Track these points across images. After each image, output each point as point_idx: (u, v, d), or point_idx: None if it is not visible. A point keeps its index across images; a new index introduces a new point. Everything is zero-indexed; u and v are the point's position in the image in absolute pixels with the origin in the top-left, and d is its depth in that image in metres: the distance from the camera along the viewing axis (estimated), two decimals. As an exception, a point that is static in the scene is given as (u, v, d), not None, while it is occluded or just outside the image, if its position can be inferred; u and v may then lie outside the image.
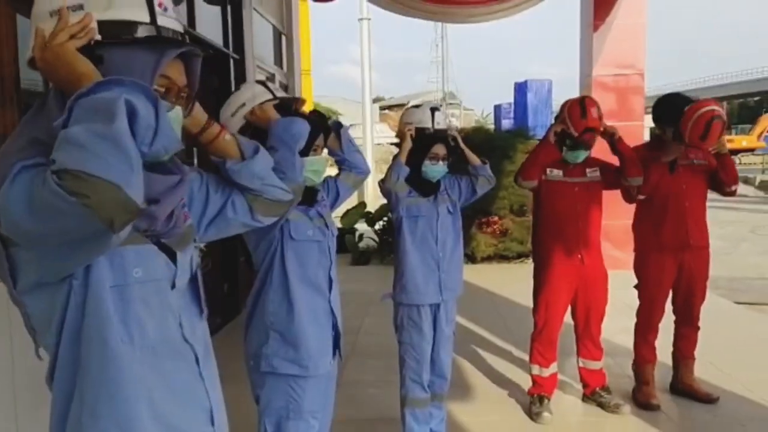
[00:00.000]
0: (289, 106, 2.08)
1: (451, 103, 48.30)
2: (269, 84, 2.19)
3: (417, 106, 3.07)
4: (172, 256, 1.21)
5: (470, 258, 8.43)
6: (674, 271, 3.51)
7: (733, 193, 3.57)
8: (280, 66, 7.98)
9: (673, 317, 3.69)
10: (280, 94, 2.16)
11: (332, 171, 2.46)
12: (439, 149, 2.90)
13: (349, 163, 2.40)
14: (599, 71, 7.63)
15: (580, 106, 3.30)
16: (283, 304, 2.10)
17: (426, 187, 2.92)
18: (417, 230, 2.92)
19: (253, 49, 6.50)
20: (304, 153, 1.95)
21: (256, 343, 2.13)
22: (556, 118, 3.51)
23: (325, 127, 2.23)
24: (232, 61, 6.04)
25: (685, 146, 3.34)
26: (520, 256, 8.37)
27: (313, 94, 17.90)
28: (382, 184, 2.94)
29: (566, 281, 3.35)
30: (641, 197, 3.49)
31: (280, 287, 2.11)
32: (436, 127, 2.95)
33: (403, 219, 2.92)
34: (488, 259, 8.45)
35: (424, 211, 2.93)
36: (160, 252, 1.19)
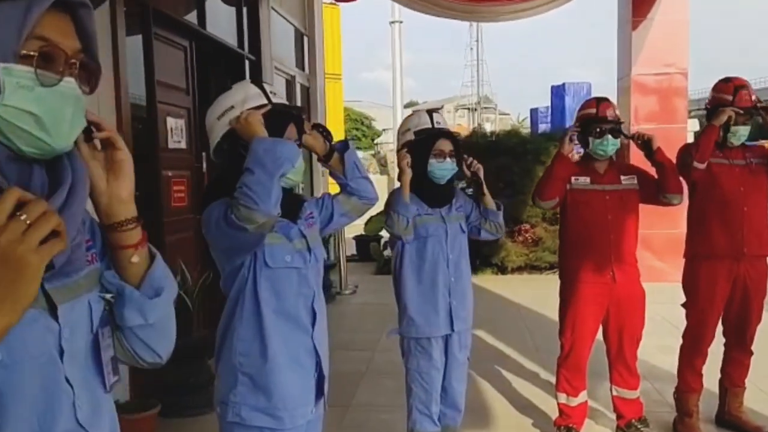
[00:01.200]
0: (284, 116, 1.76)
1: (486, 107, 47.77)
2: (266, 86, 1.84)
3: (411, 115, 2.80)
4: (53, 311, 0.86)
5: (500, 269, 8.06)
6: (728, 285, 3.12)
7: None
8: (302, 68, 7.75)
9: (723, 339, 3.27)
10: (278, 99, 1.82)
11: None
12: (444, 145, 2.60)
13: (352, 188, 2.04)
14: (638, 71, 7.16)
15: (596, 104, 3.02)
16: (255, 343, 1.73)
17: (435, 196, 2.61)
18: (426, 253, 2.61)
19: (271, 50, 6.28)
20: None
21: (224, 388, 1.77)
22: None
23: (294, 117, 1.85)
24: (247, 62, 5.82)
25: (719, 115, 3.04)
26: (552, 266, 7.92)
27: (344, 99, 17.80)
28: (389, 229, 2.65)
29: (595, 301, 2.98)
30: (698, 165, 3.06)
31: (251, 322, 1.74)
32: (437, 126, 2.65)
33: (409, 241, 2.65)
34: (519, 269, 8.03)
35: (432, 229, 2.63)
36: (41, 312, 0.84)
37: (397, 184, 2.72)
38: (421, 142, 2.60)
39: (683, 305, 3.27)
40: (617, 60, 7.69)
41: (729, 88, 3.09)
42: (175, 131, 4.52)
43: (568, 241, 3.09)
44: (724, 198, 3.08)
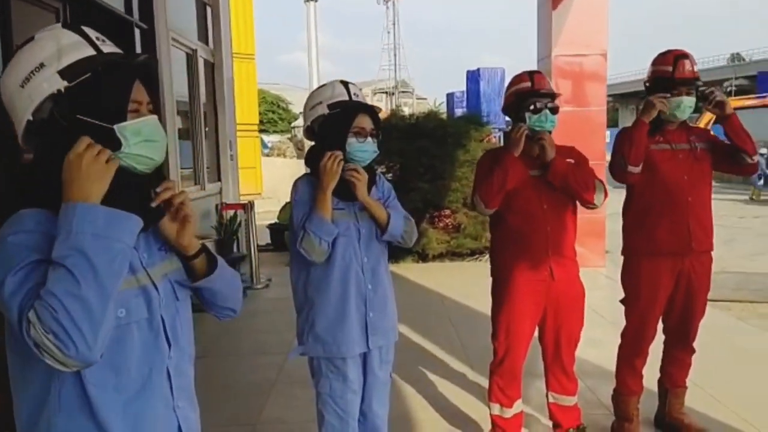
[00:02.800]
0: (124, 72, 1.19)
1: (404, 91, 47.73)
2: (90, 32, 1.22)
3: (323, 86, 2.30)
4: None
5: (421, 256, 7.75)
6: (671, 282, 2.86)
7: (755, 167, 2.92)
8: (206, 42, 7.05)
9: (662, 336, 3.03)
10: (109, 48, 1.21)
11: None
12: (364, 121, 2.15)
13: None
14: (559, 51, 6.98)
15: (529, 77, 2.67)
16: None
17: (351, 186, 2.15)
18: (335, 256, 2.15)
19: (166, 18, 5.58)
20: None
21: None
22: (505, 109, 2.79)
23: None
24: (138, 31, 5.11)
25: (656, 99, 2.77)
26: (474, 253, 7.70)
27: (260, 81, 16.92)
28: (302, 252, 2.12)
29: (532, 300, 2.65)
30: (633, 169, 2.80)
31: (75, 407, 1.15)
32: (354, 98, 2.20)
33: None
34: (440, 256, 7.75)
35: (343, 228, 2.16)
36: None
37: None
38: (335, 117, 2.14)
39: (622, 302, 3.00)
40: (537, 41, 7.50)
41: (668, 59, 2.81)
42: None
43: (501, 234, 2.74)
44: (667, 189, 2.80)
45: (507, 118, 2.88)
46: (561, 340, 2.70)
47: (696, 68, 2.79)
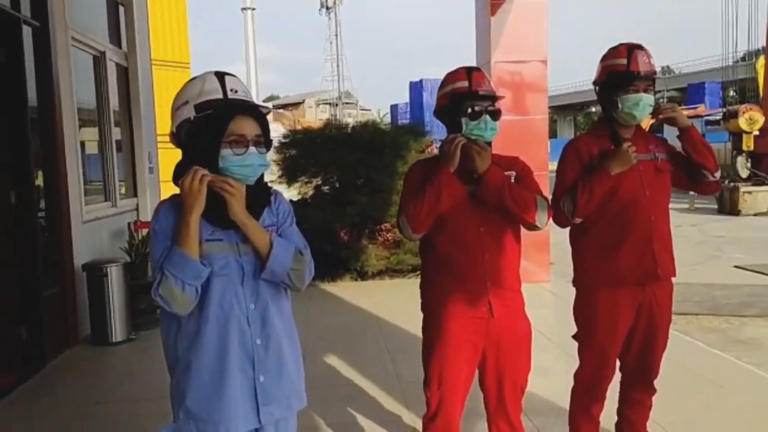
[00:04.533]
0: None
1: (347, 102, 47.38)
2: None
3: (192, 80, 1.76)
4: None
5: (359, 274, 7.30)
6: (632, 315, 2.48)
7: (717, 186, 2.58)
8: (117, 44, 6.42)
9: (620, 375, 2.64)
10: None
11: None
12: (245, 126, 1.66)
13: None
14: (498, 58, 6.69)
15: (467, 74, 2.22)
16: None
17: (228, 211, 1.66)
18: (210, 301, 1.65)
19: (65, 16, 4.96)
20: None
21: None
22: (437, 113, 2.32)
23: None
24: (28, 29, 4.49)
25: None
26: (415, 269, 7.29)
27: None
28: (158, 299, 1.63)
29: (469, 341, 2.21)
30: (578, 221, 2.46)
31: None
32: (232, 96, 1.69)
33: None
34: (379, 274, 7.30)
35: (220, 264, 1.66)
36: None
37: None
38: (204, 121, 1.65)
39: (575, 338, 2.61)
40: (476, 47, 7.21)
41: (621, 51, 2.44)
42: None
43: (431, 262, 2.29)
44: (628, 207, 2.42)
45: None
46: (504, 386, 2.26)
47: (652, 62, 2.43)
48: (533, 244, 6.09)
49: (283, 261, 1.68)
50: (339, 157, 7.31)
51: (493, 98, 2.20)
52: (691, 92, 33.36)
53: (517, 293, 2.28)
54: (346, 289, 6.87)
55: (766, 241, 11.07)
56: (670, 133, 2.62)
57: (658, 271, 2.44)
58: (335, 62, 44.90)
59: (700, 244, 10.52)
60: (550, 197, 2.43)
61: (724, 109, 18.39)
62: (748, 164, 16.83)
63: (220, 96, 1.66)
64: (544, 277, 6.68)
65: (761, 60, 21.11)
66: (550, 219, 2.30)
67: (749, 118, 16.49)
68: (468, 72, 2.22)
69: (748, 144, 16.77)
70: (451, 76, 2.25)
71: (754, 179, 16.39)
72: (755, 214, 14.73)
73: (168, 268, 1.57)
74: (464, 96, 2.18)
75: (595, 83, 2.55)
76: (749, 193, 15.17)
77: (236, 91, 1.68)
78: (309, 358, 4.48)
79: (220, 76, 1.70)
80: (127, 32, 6.56)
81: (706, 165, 2.46)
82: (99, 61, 5.88)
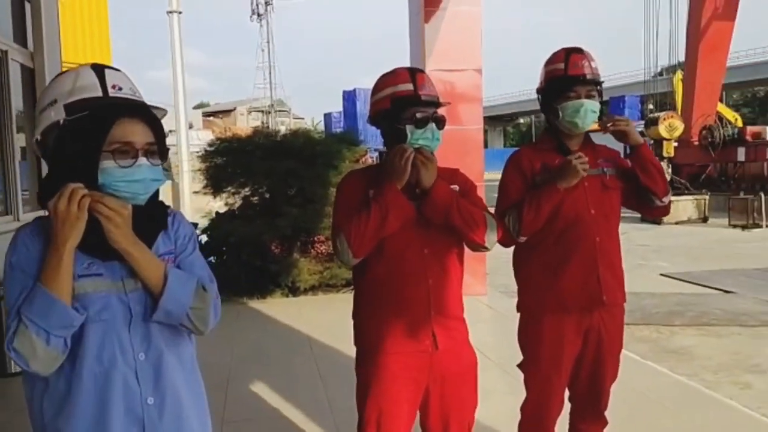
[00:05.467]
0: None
1: (280, 110, 46.65)
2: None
3: (62, 73, 1.44)
4: None
5: (291, 290, 6.97)
6: (579, 341, 2.31)
7: (665, 211, 2.46)
8: (22, 43, 5.86)
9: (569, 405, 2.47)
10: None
11: None
12: (133, 131, 1.35)
13: None
14: (432, 66, 6.55)
15: (410, 76, 1.97)
16: None
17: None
18: (85, 352, 1.32)
19: (-46, 10, 4.43)
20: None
21: None
22: (373, 119, 2.06)
23: None
24: None
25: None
26: (349, 283, 7.03)
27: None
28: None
29: (410, 379, 1.96)
30: (522, 239, 2.27)
31: None
32: (114, 93, 1.37)
33: None
34: (312, 289, 6.99)
35: (98, 306, 1.33)
36: None
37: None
38: (80, 125, 1.33)
39: (520, 367, 2.42)
40: (410, 55, 7.07)
41: (559, 56, 2.29)
42: None
43: (366, 289, 2.04)
44: (571, 227, 2.25)
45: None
46: (450, 427, 2.02)
47: (594, 65, 2.26)
48: (468, 254, 5.92)
49: (181, 299, 1.36)
50: (269, 166, 6.98)
51: (437, 104, 1.98)
52: (612, 105, 34.81)
53: (461, 322, 2.06)
54: (276, 306, 6.53)
55: (688, 249, 11.49)
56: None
57: (603, 296, 2.27)
58: (267, 70, 44.23)
59: (626, 252, 10.49)
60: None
61: (642, 122, 19.31)
62: (669, 170, 17.70)
63: (99, 94, 1.35)
64: (480, 290, 6.56)
65: (678, 74, 22.22)
66: (499, 239, 2.09)
67: (669, 125, 17.38)
68: (411, 74, 1.97)
69: (668, 150, 17.71)
70: (391, 78, 2.00)
71: (674, 191, 17.17)
72: (676, 223, 15.37)
73: (27, 314, 1.24)
74: (408, 101, 1.93)
75: (537, 91, 2.39)
76: (671, 202, 15.80)
77: (120, 88, 1.37)
78: (232, 386, 4.21)
79: (99, 69, 1.39)
80: (33, 31, 5.99)
81: (654, 188, 2.32)
82: (0, 61, 5.33)
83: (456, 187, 2.01)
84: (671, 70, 23.86)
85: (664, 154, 17.63)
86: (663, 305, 7.13)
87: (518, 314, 2.43)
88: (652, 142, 17.46)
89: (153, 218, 1.41)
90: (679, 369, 4.88)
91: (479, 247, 1.98)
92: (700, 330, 6.11)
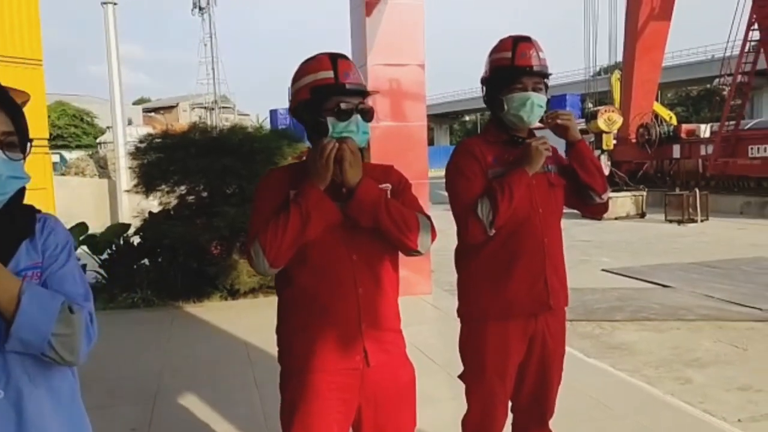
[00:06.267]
0: None
1: (224, 107, 45.64)
2: None
3: None
4: None
5: (230, 293, 6.69)
6: (523, 349, 2.18)
7: (605, 209, 2.36)
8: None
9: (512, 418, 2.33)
10: None
11: None
12: None
13: None
14: (374, 60, 6.40)
15: (331, 62, 1.76)
16: None
17: None
18: None
19: None
20: None
21: None
22: (294, 111, 1.85)
23: None
24: None
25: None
26: (291, 285, 6.82)
27: (60, 91, 14.52)
28: None
29: (339, 400, 1.77)
30: (493, 232, 2.09)
31: None
32: None
33: None
34: (252, 292, 6.73)
35: None
36: None
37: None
38: None
39: (461, 378, 2.27)
40: (351, 48, 6.88)
41: (506, 44, 2.14)
42: None
43: (290, 301, 1.84)
44: (520, 227, 2.11)
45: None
46: None
47: (542, 56, 2.13)
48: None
49: (39, 325, 1.14)
50: (205, 163, 6.66)
51: (363, 93, 1.79)
52: (554, 103, 34.98)
53: (397, 334, 1.88)
54: (213, 311, 6.24)
55: (627, 245, 11.75)
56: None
57: (550, 301, 2.15)
58: (210, 65, 43.13)
59: (568, 248, 10.65)
60: (429, 208, 2.08)
61: (583, 119, 19.94)
62: (609, 162, 18.43)
63: None
64: (425, 289, 6.46)
65: (616, 74, 22.86)
66: (434, 241, 1.92)
67: (608, 119, 18.00)
68: (332, 60, 1.76)
69: (608, 143, 18.39)
70: (311, 65, 1.79)
71: (614, 187, 17.73)
72: (616, 218, 15.76)
73: None
74: (329, 90, 1.74)
75: (481, 81, 2.24)
76: (610, 198, 16.27)
77: None
78: (161, 398, 3.93)
79: None
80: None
81: (593, 185, 2.22)
82: None
83: (388, 185, 1.83)
84: (610, 69, 24.52)
85: (604, 147, 18.36)
86: (604, 300, 7.20)
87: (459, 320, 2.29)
88: (593, 138, 17.97)
89: (13, 225, 1.18)
90: (621, 365, 4.88)
91: (412, 251, 1.79)
92: (641, 325, 6.17)
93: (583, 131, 24.98)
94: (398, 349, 1.87)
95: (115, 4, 18.16)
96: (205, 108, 43.87)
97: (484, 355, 2.15)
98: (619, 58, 22.70)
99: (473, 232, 2.07)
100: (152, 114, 54.65)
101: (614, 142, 18.81)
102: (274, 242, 1.66)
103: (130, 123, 27.49)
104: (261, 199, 1.80)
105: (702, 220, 14.49)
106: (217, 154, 6.76)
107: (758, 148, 17.33)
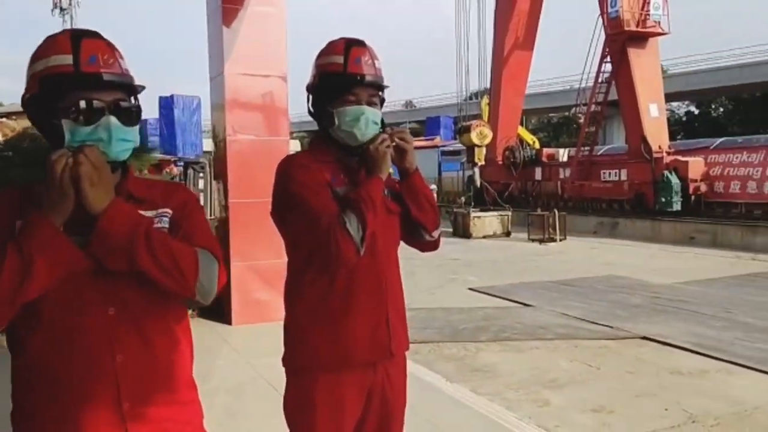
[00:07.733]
0: None
1: (85, 116, 42.19)
2: None
3: None
4: None
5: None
6: (361, 403, 1.84)
7: (436, 245, 2.02)
8: None
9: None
10: None
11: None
12: None
13: None
14: (232, 70, 5.96)
15: (72, 45, 1.33)
16: None
17: None
18: None
19: None
20: None
21: None
22: (27, 111, 1.43)
23: None
24: None
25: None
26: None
27: None
28: None
29: None
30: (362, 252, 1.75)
31: None
32: None
33: None
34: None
35: None
36: None
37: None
38: None
39: None
40: (208, 58, 6.40)
41: (337, 47, 1.82)
42: None
43: (23, 376, 1.34)
44: (362, 262, 1.76)
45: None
46: None
47: (378, 65, 1.83)
48: (274, 271, 5.36)
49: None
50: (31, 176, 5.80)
51: (127, 86, 1.37)
52: (430, 125, 36.83)
53: (184, 408, 1.43)
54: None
55: (492, 263, 12.07)
56: None
57: (391, 346, 1.84)
58: (70, 70, 39.87)
59: (438, 267, 10.99)
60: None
61: (456, 140, 20.80)
62: (479, 175, 19.73)
63: None
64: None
65: (485, 99, 23.98)
66: (223, 285, 1.45)
67: (480, 133, 18.95)
68: (74, 39, 1.32)
69: (479, 157, 19.54)
70: (46, 47, 1.34)
71: (482, 206, 18.53)
72: (483, 237, 16.31)
73: None
74: (65, 81, 1.30)
75: (307, 88, 1.92)
76: (478, 218, 16.92)
77: None
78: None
79: None
80: None
81: (424, 222, 1.92)
82: None
83: (166, 211, 1.41)
84: (481, 94, 25.66)
85: (476, 160, 19.25)
86: (470, 320, 7.19)
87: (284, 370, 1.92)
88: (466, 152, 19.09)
89: None
90: (482, 388, 4.80)
91: (189, 301, 1.38)
92: (503, 345, 6.18)
93: (449, 153, 26.07)
94: (186, 427, 1.43)
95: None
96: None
97: (315, 415, 1.78)
98: (488, 84, 23.80)
99: (347, 254, 1.69)
100: (3, 119, 49.59)
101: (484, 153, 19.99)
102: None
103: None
104: None
105: (560, 240, 15.31)
106: (8, 165, 5.82)
107: (609, 173, 18.78)
